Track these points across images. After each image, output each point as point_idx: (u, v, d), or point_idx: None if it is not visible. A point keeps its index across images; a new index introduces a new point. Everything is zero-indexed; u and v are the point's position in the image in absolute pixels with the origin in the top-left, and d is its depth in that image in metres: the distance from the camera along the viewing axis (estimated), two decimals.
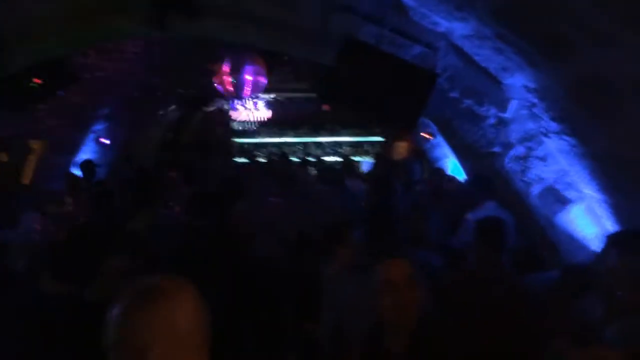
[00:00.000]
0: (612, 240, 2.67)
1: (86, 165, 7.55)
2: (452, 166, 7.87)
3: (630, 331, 2.44)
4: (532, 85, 3.77)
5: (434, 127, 7.90)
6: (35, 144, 6.89)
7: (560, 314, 3.24)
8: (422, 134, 8.51)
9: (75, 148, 8.01)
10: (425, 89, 3.89)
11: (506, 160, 4.31)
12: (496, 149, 4.31)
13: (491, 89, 4.19)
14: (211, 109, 10.57)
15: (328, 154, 12.05)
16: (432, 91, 3.90)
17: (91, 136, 8.12)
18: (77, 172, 7.89)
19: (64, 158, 7.88)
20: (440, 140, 8.07)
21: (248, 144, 12.38)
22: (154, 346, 1.23)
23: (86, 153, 8.18)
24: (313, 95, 9.77)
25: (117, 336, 1.24)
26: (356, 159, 11.79)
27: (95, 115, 7.73)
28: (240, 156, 12.14)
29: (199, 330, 1.30)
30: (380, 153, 11.15)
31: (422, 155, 9.21)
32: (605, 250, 2.66)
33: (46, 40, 3.73)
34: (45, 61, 4.40)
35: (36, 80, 4.45)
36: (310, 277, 3.67)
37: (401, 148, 11.19)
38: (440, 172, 7.63)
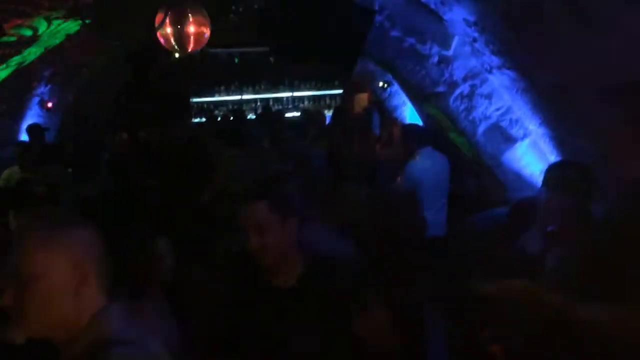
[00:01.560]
0: (544, 175, 2.64)
1: (34, 130, 7.24)
2: (410, 113, 7.79)
3: (560, 264, 2.44)
4: (471, 18, 3.65)
5: (389, 75, 7.77)
6: None
7: (506, 249, 3.25)
8: (379, 82, 8.38)
9: (19, 113, 7.65)
10: (363, 26, 3.73)
11: (451, 99, 4.22)
12: (441, 89, 4.21)
13: (433, 25, 4.06)
14: (163, 65, 10.17)
15: (289, 110, 11.82)
16: (370, 29, 3.74)
17: (35, 99, 7.75)
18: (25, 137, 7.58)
19: (9, 125, 7.53)
20: (397, 87, 7.95)
21: (206, 102, 12.07)
22: (34, 279, 1.21)
23: (31, 118, 7.83)
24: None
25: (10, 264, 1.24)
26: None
27: (37, 76, 7.35)
28: (199, 116, 11.83)
29: (83, 268, 1.26)
30: (340, 105, 10.98)
31: (381, 105, 9.08)
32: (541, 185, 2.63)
33: None
34: None
35: None
36: None
37: (361, 99, 11.03)
38: (394, 121, 7.55)
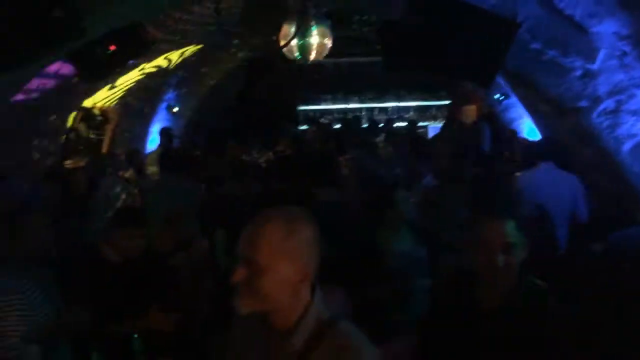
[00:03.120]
0: None
1: (165, 133, 7.80)
2: (528, 128, 7.50)
3: None
4: (624, 31, 3.47)
5: (507, 87, 7.54)
6: (112, 113, 7.13)
7: None
8: (495, 95, 8.15)
9: (149, 117, 8.25)
10: (504, 40, 3.65)
11: (594, 115, 4.02)
12: (583, 104, 4.02)
13: (577, 38, 3.89)
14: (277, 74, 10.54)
15: (394, 120, 11.80)
16: (511, 42, 3.66)
17: (163, 105, 8.33)
18: (156, 140, 8.16)
19: (139, 127, 8.14)
20: (514, 100, 7.70)
21: (313, 110, 12.34)
22: (262, 269, 1.35)
23: (160, 122, 8.42)
24: (378, 59, 9.54)
25: (240, 248, 1.40)
26: (423, 124, 11.49)
27: (166, 83, 7.90)
28: (305, 124, 12.10)
29: (305, 267, 1.40)
30: (449, 117, 10.79)
31: (493, 118, 8.82)
32: None
33: (123, 5, 3.76)
34: (118, 28, 4.44)
35: (112, 47, 4.49)
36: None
37: (470, 111, 10.74)
38: (513, 134, 7.29)
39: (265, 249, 1.36)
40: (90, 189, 5.50)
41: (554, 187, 4.37)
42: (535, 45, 4.00)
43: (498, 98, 8.06)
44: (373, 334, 1.49)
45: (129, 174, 6.07)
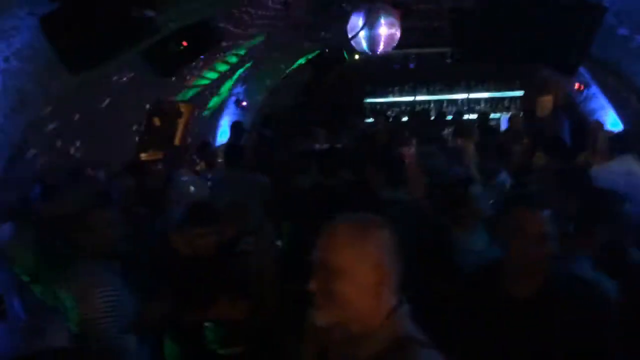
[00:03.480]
0: None
1: (236, 127, 7.95)
2: (611, 119, 7.04)
3: None
4: None
5: (587, 76, 7.13)
6: (184, 107, 7.31)
7: None
8: (574, 84, 7.72)
9: (219, 111, 8.40)
10: (589, 26, 3.41)
11: None
12: None
13: None
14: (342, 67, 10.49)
15: (464, 112, 11.42)
16: (597, 28, 3.42)
17: (232, 99, 8.46)
18: (226, 133, 8.35)
19: (210, 121, 8.32)
20: (595, 90, 7.26)
21: (380, 103, 12.17)
22: (339, 273, 1.33)
23: (229, 115, 8.58)
24: (447, 49, 9.27)
25: (316, 255, 1.39)
26: (495, 115, 11.07)
27: (236, 77, 8.01)
28: (372, 116, 11.96)
29: (383, 270, 1.36)
30: (523, 109, 10.34)
31: (572, 109, 8.36)
32: None
33: (194, 0, 3.82)
34: (189, 24, 4.53)
35: (184, 43, 4.59)
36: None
37: (546, 102, 10.24)
38: (598, 126, 6.84)
39: (341, 251, 1.35)
40: (166, 182, 5.68)
41: (627, 179, 4.05)
42: (622, 31, 3.74)
43: (578, 88, 7.61)
44: (441, 336, 1.44)
45: (200, 167, 6.22)
